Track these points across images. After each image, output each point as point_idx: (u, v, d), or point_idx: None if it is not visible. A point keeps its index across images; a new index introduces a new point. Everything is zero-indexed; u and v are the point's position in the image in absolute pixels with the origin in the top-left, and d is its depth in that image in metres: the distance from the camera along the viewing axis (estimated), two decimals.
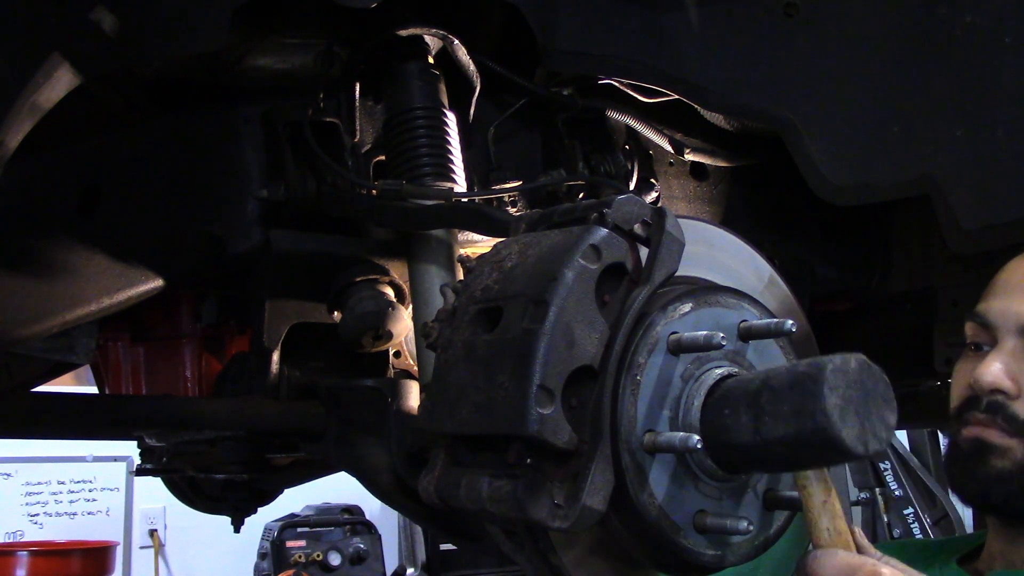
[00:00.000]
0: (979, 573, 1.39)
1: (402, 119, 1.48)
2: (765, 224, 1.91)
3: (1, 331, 1.37)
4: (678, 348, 0.96)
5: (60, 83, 1.16)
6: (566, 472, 0.91)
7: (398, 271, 1.51)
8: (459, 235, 1.52)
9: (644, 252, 0.99)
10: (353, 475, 1.48)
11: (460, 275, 1.39)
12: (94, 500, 5.21)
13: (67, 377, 2.26)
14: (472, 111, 1.56)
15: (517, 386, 0.89)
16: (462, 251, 1.50)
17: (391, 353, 1.60)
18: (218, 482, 2.12)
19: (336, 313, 1.50)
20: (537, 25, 1.40)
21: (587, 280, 0.93)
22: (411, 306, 1.50)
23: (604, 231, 0.96)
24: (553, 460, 0.92)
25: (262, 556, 4.71)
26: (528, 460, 0.93)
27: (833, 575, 0.96)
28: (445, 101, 1.52)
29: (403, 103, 1.49)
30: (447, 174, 1.46)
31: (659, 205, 1.08)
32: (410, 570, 5.02)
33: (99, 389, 2.14)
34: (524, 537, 1.01)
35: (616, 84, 1.64)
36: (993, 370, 1.26)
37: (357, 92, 1.53)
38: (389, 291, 1.50)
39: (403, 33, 1.47)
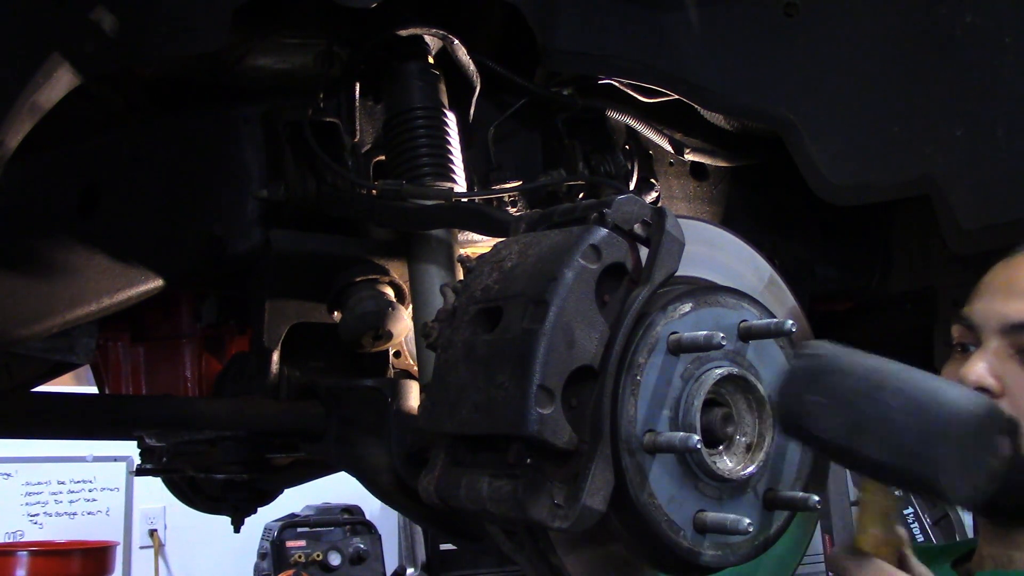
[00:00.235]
0: (970, 574, 1.39)
1: (402, 119, 1.48)
2: (765, 224, 1.91)
3: (1, 331, 1.37)
4: (678, 348, 0.96)
5: (60, 83, 1.16)
6: (566, 472, 0.92)
7: (398, 271, 1.51)
8: (459, 235, 1.52)
9: (644, 252, 0.99)
10: (353, 475, 1.48)
11: (460, 275, 1.39)
12: (94, 500, 5.20)
13: (67, 377, 2.25)
14: (472, 111, 1.56)
15: (517, 386, 0.89)
16: (462, 251, 1.50)
17: (391, 353, 1.60)
18: (218, 482, 2.12)
19: (336, 313, 1.50)
20: (537, 25, 1.40)
21: (587, 280, 0.93)
22: (411, 306, 1.50)
23: (604, 231, 0.96)
24: (553, 460, 0.92)
25: (262, 556, 4.70)
26: (528, 460, 0.93)
27: None
28: (445, 101, 1.52)
29: (403, 103, 1.49)
30: (447, 174, 1.46)
31: (659, 205, 1.08)
32: (410, 570, 5.02)
33: (99, 389, 2.13)
34: (524, 537, 1.01)
35: (616, 84, 1.64)
36: (977, 369, 1.26)
37: (357, 92, 1.53)
38: (389, 291, 1.50)
39: (403, 33, 1.47)
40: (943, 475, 0.84)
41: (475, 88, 1.53)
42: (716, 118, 1.70)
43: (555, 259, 0.94)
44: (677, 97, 1.53)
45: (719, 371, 0.99)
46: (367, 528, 4.80)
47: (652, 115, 1.73)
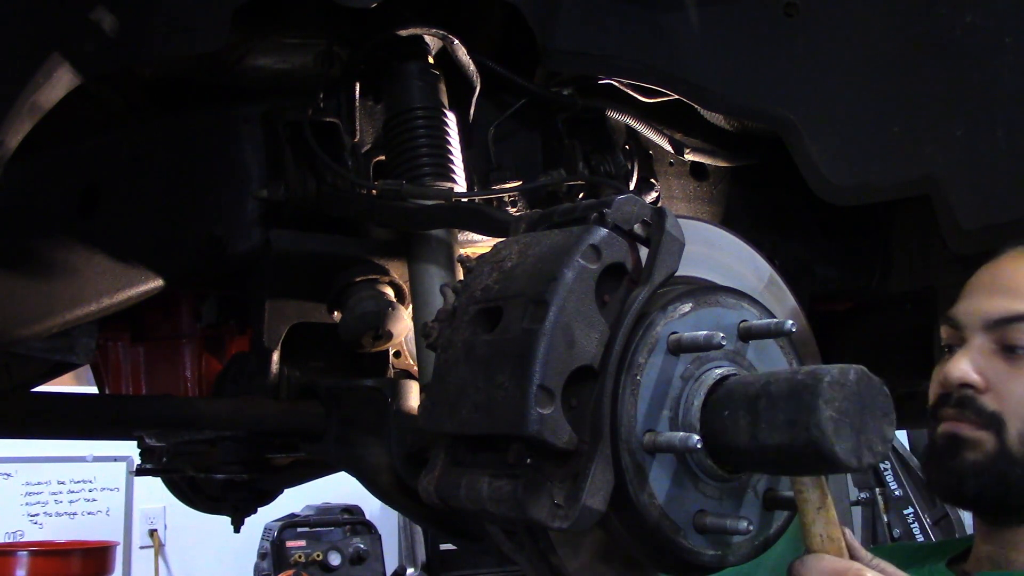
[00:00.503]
0: (966, 574, 1.39)
1: (402, 119, 1.48)
2: (765, 224, 1.91)
3: (1, 331, 1.37)
4: (678, 348, 0.96)
5: (60, 83, 1.15)
6: (566, 472, 0.91)
7: (398, 271, 1.51)
8: (459, 235, 1.52)
9: (644, 252, 0.99)
10: (353, 475, 1.48)
11: (460, 275, 1.39)
12: (94, 500, 5.21)
13: (67, 377, 2.25)
14: (472, 111, 1.56)
15: (517, 386, 0.89)
16: (462, 251, 1.50)
17: (391, 353, 1.60)
18: (218, 482, 2.12)
19: (336, 313, 1.50)
20: (537, 25, 1.40)
21: (587, 280, 0.93)
22: (411, 306, 1.50)
23: (604, 231, 0.96)
24: (553, 460, 0.92)
25: (262, 556, 4.70)
26: (528, 460, 0.93)
27: None
28: (445, 101, 1.52)
29: (403, 103, 1.49)
30: (447, 174, 1.46)
31: (659, 205, 1.08)
32: (410, 570, 5.02)
33: (99, 389, 2.13)
34: (524, 537, 1.01)
35: (616, 84, 1.64)
36: (961, 366, 1.29)
37: (357, 92, 1.53)
38: (389, 291, 1.50)
39: (403, 33, 1.47)
40: (835, 441, 0.86)
41: (475, 88, 1.53)
42: (716, 118, 1.70)
43: (555, 259, 0.94)
44: (677, 97, 1.53)
45: (719, 371, 0.99)
46: (367, 528, 4.80)
47: (652, 115, 1.73)
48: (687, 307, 0.99)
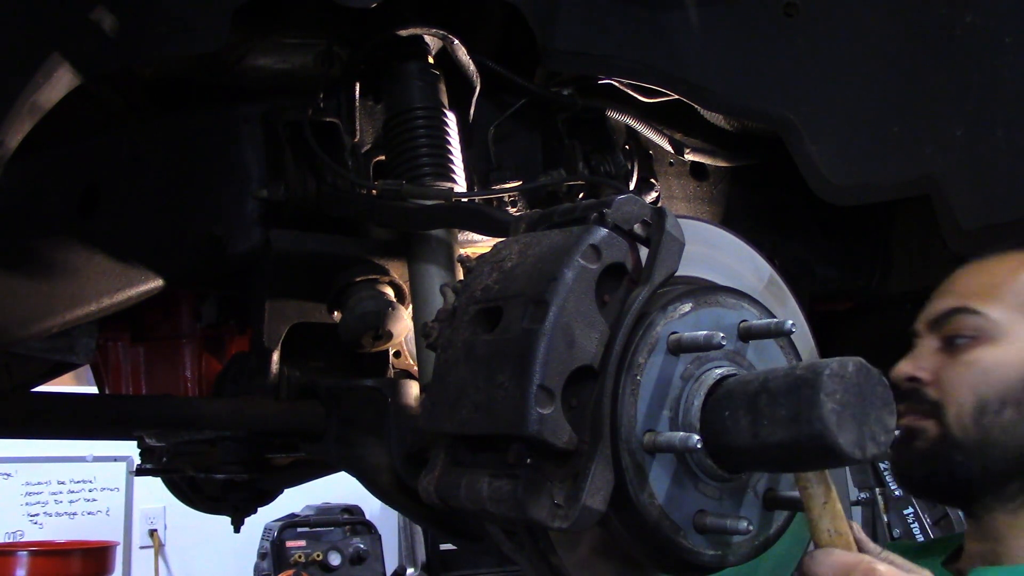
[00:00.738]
0: (961, 573, 1.40)
1: (402, 119, 1.48)
2: (765, 224, 1.91)
3: (1, 331, 1.37)
4: (678, 348, 0.96)
5: (60, 83, 1.16)
6: (566, 472, 0.91)
7: (398, 271, 1.51)
8: (459, 235, 1.52)
9: (644, 252, 0.99)
10: (353, 475, 1.48)
11: (460, 275, 1.39)
12: (94, 500, 5.20)
13: (67, 377, 2.26)
14: (472, 111, 1.56)
15: (517, 386, 0.89)
16: (462, 251, 1.50)
17: (391, 353, 1.60)
18: (218, 482, 2.12)
19: (336, 313, 1.50)
20: (537, 25, 1.40)
21: (587, 280, 0.93)
22: (411, 306, 1.50)
23: (604, 231, 0.96)
24: (553, 460, 0.92)
25: (262, 556, 4.70)
26: (528, 460, 0.93)
27: (830, 574, 0.97)
28: (445, 101, 1.52)
29: (403, 103, 1.49)
30: (447, 174, 1.46)
31: (659, 205, 1.08)
32: (410, 570, 5.02)
33: (99, 389, 2.13)
34: (524, 537, 1.01)
35: (616, 84, 1.64)
36: (903, 363, 1.39)
37: (357, 92, 1.53)
38: (389, 291, 1.50)
39: (403, 33, 1.47)
40: (839, 433, 0.87)
41: (475, 88, 1.53)
42: (716, 118, 1.70)
43: (555, 259, 0.94)
44: (677, 97, 1.53)
45: (719, 371, 0.99)
46: (367, 528, 4.80)
47: (652, 115, 1.73)
48: (687, 307, 0.99)
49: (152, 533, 5.21)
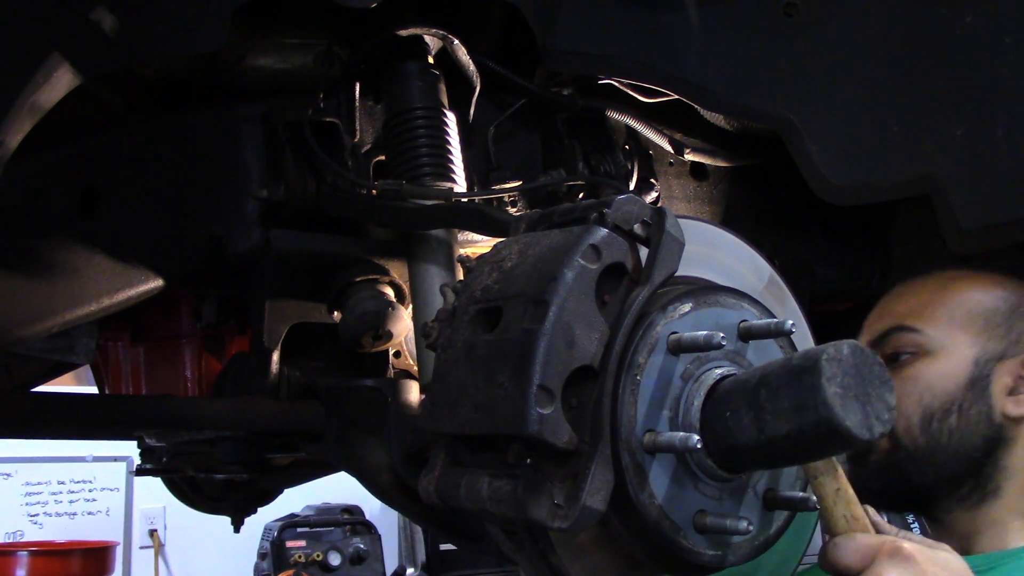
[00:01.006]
0: None
1: (402, 119, 1.48)
2: (765, 224, 1.91)
3: (1, 331, 1.37)
4: (678, 348, 0.96)
5: (60, 83, 1.15)
6: (566, 472, 0.91)
7: (398, 271, 1.51)
8: (459, 235, 1.52)
9: (644, 252, 0.99)
10: (353, 475, 1.48)
11: (460, 275, 1.39)
12: (94, 500, 5.20)
13: (67, 377, 2.26)
14: (472, 111, 1.56)
15: (517, 386, 0.89)
16: (462, 251, 1.50)
17: (391, 353, 1.60)
18: (218, 482, 2.12)
19: (336, 313, 1.50)
20: (537, 25, 1.40)
21: (587, 280, 0.93)
22: (411, 306, 1.50)
23: (604, 231, 0.96)
24: (553, 460, 0.92)
25: (262, 556, 4.70)
26: (528, 460, 0.93)
27: (856, 559, 0.98)
28: (445, 101, 1.52)
29: (403, 103, 1.49)
30: (447, 174, 1.46)
31: (659, 205, 1.08)
32: (410, 570, 5.02)
33: (99, 389, 2.13)
34: (524, 537, 1.01)
35: (616, 84, 1.64)
36: None
37: (357, 92, 1.53)
38: (389, 291, 1.50)
39: (403, 33, 1.47)
40: (845, 415, 0.87)
41: (475, 88, 1.53)
42: (716, 118, 1.70)
43: (555, 259, 0.94)
44: (677, 97, 1.53)
45: (719, 371, 0.99)
46: (367, 528, 4.79)
47: (652, 115, 1.73)
48: (687, 307, 0.99)
49: (152, 533, 5.20)
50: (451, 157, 1.48)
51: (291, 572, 4.48)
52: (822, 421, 0.87)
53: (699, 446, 0.91)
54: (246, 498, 2.17)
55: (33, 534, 5.01)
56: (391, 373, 1.60)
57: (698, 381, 0.98)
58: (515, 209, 1.62)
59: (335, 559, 4.61)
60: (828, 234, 1.97)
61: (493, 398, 0.92)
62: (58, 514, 5.12)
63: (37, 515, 5.08)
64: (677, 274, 1.00)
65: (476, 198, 1.50)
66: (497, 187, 1.58)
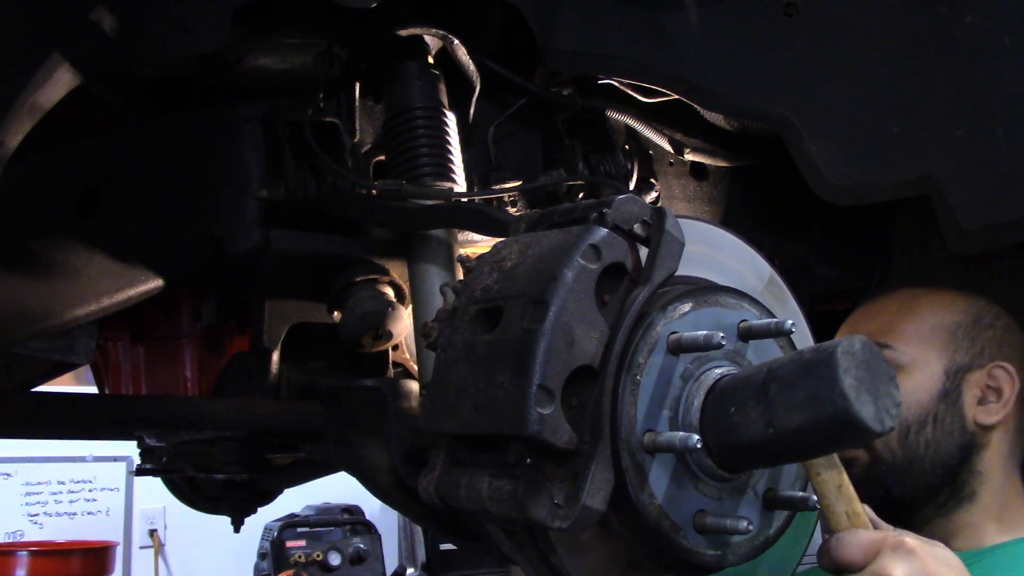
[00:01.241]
0: None
1: (402, 119, 1.48)
2: (765, 224, 1.91)
3: (1, 331, 1.37)
4: (678, 348, 0.96)
5: (60, 83, 1.15)
6: (566, 472, 0.91)
7: (398, 271, 1.51)
8: (459, 235, 1.52)
9: (644, 252, 0.99)
10: (353, 475, 1.48)
11: (460, 275, 1.39)
12: (94, 500, 5.20)
13: (67, 377, 2.25)
14: (472, 111, 1.56)
15: (517, 386, 0.89)
16: (462, 251, 1.50)
17: (391, 353, 1.60)
18: (218, 482, 2.12)
19: (336, 313, 1.50)
20: (537, 25, 1.40)
21: (587, 280, 0.93)
22: (411, 306, 1.50)
23: (604, 231, 0.96)
24: (553, 460, 0.92)
25: (262, 556, 4.70)
26: (528, 460, 0.93)
27: (859, 554, 0.99)
28: (445, 101, 1.51)
29: (403, 103, 1.49)
30: (447, 174, 1.46)
31: (659, 205, 1.08)
32: (410, 570, 5.02)
33: (99, 389, 2.13)
34: (524, 537, 1.01)
35: (616, 84, 1.64)
36: None
37: (357, 92, 1.53)
38: (389, 291, 1.50)
39: (403, 33, 1.47)
40: (860, 406, 0.88)
41: (475, 88, 1.53)
42: (716, 118, 1.70)
43: (555, 259, 0.94)
44: (677, 97, 1.52)
45: (719, 371, 0.99)
46: (367, 528, 4.79)
47: (652, 115, 1.73)
48: (687, 307, 0.99)
49: (152, 533, 5.20)
50: (451, 157, 1.48)
51: (291, 572, 4.48)
52: (838, 412, 0.88)
53: (699, 446, 0.91)
54: (246, 498, 2.17)
55: (33, 534, 5.01)
56: (391, 373, 1.60)
57: (698, 381, 0.98)
58: (515, 209, 1.62)
59: (335, 559, 4.61)
60: (828, 234, 1.97)
61: (493, 398, 0.92)
62: (58, 514, 5.12)
63: (37, 515, 5.08)
64: (677, 274, 1.00)
65: (476, 198, 1.50)
66: (497, 187, 1.58)
